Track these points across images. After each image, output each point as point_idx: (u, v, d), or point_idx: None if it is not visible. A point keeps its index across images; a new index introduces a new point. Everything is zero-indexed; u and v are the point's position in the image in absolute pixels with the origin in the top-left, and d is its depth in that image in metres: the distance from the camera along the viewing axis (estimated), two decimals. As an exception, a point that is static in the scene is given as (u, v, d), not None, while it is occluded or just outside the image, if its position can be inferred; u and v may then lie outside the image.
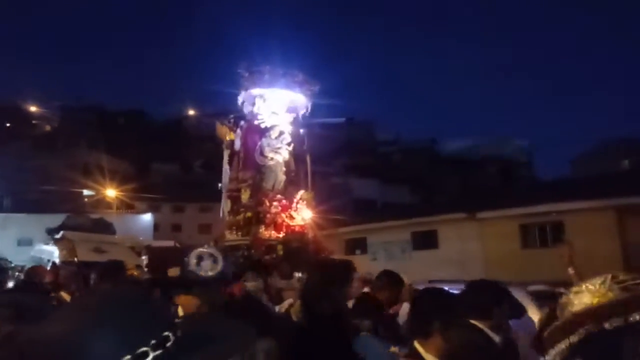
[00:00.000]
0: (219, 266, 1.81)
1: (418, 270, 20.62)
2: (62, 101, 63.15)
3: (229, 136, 9.43)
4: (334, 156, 50.87)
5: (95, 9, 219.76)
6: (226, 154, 9.12)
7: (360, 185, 43.96)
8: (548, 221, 19.51)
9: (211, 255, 1.83)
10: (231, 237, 7.96)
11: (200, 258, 1.80)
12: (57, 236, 10.34)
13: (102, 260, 9.97)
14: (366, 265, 22.47)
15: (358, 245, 25.06)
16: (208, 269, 1.78)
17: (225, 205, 8.65)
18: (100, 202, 40.19)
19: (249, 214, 7.87)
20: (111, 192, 39.51)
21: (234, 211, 8.12)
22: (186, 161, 57.80)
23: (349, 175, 45.75)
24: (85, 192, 41.51)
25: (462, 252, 20.52)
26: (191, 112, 67.85)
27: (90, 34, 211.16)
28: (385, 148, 63.57)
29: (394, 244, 23.38)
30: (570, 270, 5.04)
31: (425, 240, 22.26)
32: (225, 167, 9.06)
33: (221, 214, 8.71)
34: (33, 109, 60.59)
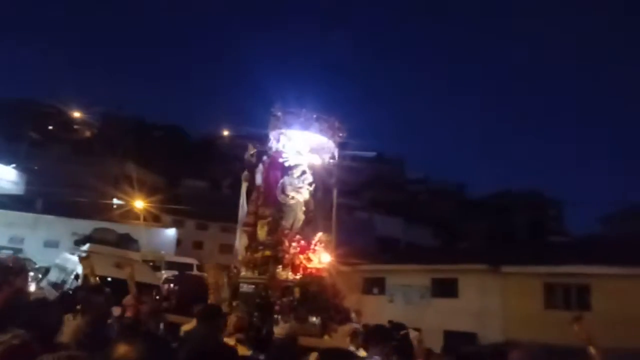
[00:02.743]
0: None
1: (435, 318, 20.26)
2: (104, 108, 65.16)
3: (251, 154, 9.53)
4: (361, 190, 50.84)
5: (146, 26, 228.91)
6: (244, 187, 9.17)
7: (385, 222, 43.68)
8: (574, 283, 18.91)
9: None
10: (247, 274, 7.93)
11: None
12: (83, 253, 10.57)
13: (123, 277, 10.15)
14: (382, 307, 22.18)
15: (376, 284, 24.72)
16: None
17: (241, 239, 8.65)
18: (128, 213, 40.92)
19: (267, 252, 7.84)
20: (139, 204, 40.20)
21: (251, 248, 8.10)
22: (216, 179, 58.68)
23: (374, 211, 45.54)
24: (115, 201, 42.45)
25: (482, 304, 20.01)
26: (225, 133, 69.17)
27: (138, 48, 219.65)
28: (414, 187, 63.22)
29: (413, 288, 22.98)
30: (592, 350, 4.79)
31: (445, 288, 21.81)
32: (243, 200, 9.09)
33: (236, 245, 8.71)
34: (75, 114, 62.58)
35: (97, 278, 8.52)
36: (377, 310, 19.86)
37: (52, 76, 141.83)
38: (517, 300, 19.57)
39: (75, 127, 63.66)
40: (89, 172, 43.42)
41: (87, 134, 63.85)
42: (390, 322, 8.35)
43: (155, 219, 42.83)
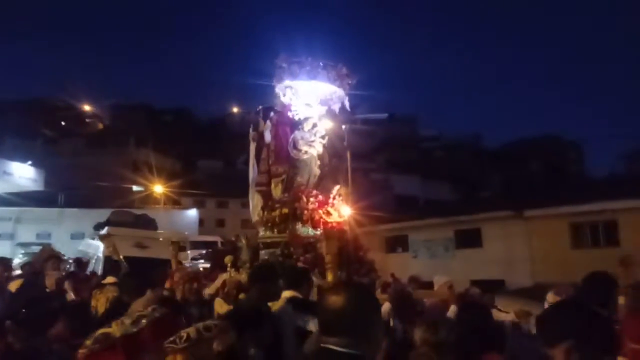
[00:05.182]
0: None
1: (461, 269, 20.21)
2: (113, 100, 65.43)
3: (257, 111, 9.30)
4: (376, 152, 50.49)
5: (142, 12, 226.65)
6: (252, 147, 8.91)
7: (401, 182, 43.41)
8: (600, 220, 18.60)
9: None
10: (266, 234, 7.81)
11: None
12: (103, 232, 10.68)
13: (144, 255, 10.26)
14: (407, 264, 22.21)
15: (399, 242, 24.73)
16: None
17: (255, 200, 8.46)
18: (148, 198, 41.42)
19: (284, 210, 7.69)
20: (159, 188, 40.62)
21: (268, 207, 7.94)
22: (229, 157, 58.77)
23: (390, 171, 45.24)
24: (135, 188, 42.94)
25: (508, 251, 19.87)
26: (234, 110, 68.86)
27: (136, 36, 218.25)
28: (428, 144, 62.53)
29: (436, 242, 22.93)
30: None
31: (469, 239, 21.69)
32: (252, 160, 8.86)
33: (251, 209, 8.54)
34: (86, 107, 62.92)
35: (121, 256, 8.63)
36: (402, 268, 19.86)
37: (59, 74, 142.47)
38: (543, 244, 19.38)
39: (87, 120, 64.08)
40: (105, 163, 43.89)
41: (99, 126, 64.25)
42: (411, 277, 8.29)
43: (175, 202, 43.32)
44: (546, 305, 5.59)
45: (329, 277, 5.77)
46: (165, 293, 5.08)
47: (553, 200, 20.19)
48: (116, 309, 3.94)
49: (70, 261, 10.70)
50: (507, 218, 20.42)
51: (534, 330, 4.79)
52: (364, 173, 36.61)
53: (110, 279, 6.23)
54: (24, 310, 3.93)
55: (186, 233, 31.85)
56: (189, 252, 24.60)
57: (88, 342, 2.60)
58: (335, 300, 1.72)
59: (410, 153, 55.01)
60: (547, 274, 17.63)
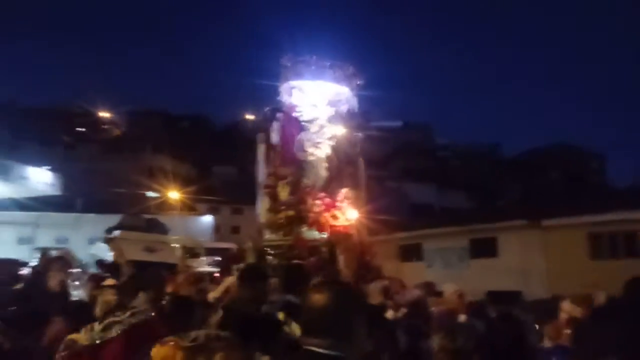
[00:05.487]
0: None
1: (476, 279, 19.82)
2: (130, 106, 66.29)
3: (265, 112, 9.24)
4: (390, 159, 50.19)
5: (160, 19, 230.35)
6: (261, 149, 8.81)
7: (417, 190, 43.02)
8: (620, 230, 18.11)
9: None
10: (271, 237, 7.71)
11: None
12: (110, 236, 10.68)
13: (152, 259, 10.22)
14: (421, 273, 21.86)
15: (413, 251, 24.39)
16: None
17: (262, 202, 8.37)
18: (164, 204, 41.65)
19: (290, 213, 7.58)
20: (174, 195, 40.86)
21: (273, 209, 7.84)
22: (244, 164, 58.89)
23: (405, 180, 44.89)
24: (150, 194, 43.23)
25: (524, 261, 19.45)
26: (249, 116, 69.20)
27: (154, 43, 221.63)
28: (444, 152, 62.03)
29: (451, 251, 22.55)
30: None
31: (484, 248, 21.29)
32: (261, 162, 8.77)
33: (257, 211, 8.46)
34: (104, 114, 63.85)
35: (126, 261, 8.60)
36: (416, 277, 19.55)
37: (78, 81, 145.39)
38: (560, 254, 18.93)
39: (104, 126, 64.97)
40: (122, 169, 44.38)
41: (117, 132, 65.07)
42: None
43: (190, 209, 43.49)
44: (562, 315, 5.36)
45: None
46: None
47: (571, 209, 19.75)
48: (111, 312, 3.82)
49: (84, 264, 10.72)
50: (523, 227, 20.02)
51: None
52: (378, 180, 36.36)
53: (109, 281, 6.16)
54: (11, 309, 3.83)
55: (201, 240, 31.94)
56: (203, 258, 24.62)
57: (61, 347, 2.45)
58: (318, 300, 1.65)
59: (425, 161, 54.59)
60: (565, 286, 17.18)
